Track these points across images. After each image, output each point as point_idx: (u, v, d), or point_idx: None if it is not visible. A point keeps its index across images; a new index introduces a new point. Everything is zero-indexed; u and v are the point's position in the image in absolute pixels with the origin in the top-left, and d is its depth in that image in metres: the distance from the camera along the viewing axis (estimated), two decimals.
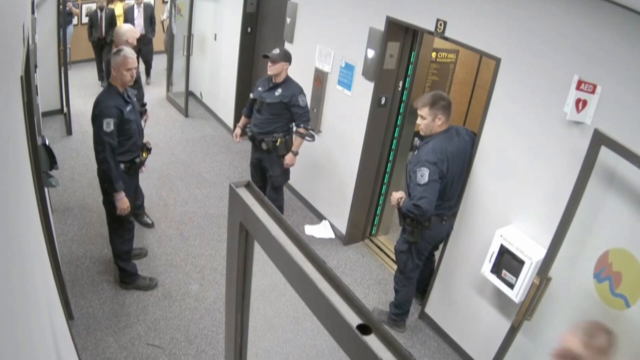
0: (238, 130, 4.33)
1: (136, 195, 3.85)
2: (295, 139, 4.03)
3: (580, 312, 2.54)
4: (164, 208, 4.75)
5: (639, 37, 2.28)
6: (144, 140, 3.58)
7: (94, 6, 7.47)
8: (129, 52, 3.25)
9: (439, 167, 3.01)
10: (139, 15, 7.52)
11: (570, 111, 2.54)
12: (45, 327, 1.53)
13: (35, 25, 3.82)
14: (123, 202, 3.31)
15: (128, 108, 3.28)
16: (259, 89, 4.02)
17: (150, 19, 7.59)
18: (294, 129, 4.04)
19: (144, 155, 3.54)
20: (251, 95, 4.13)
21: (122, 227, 3.53)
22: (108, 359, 3.14)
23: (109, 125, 3.14)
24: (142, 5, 7.49)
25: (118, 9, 8.37)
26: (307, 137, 4.03)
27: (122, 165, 3.33)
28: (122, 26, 4.57)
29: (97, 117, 3.16)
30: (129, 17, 7.40)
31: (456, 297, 3.53)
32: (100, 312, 3.48)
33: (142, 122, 3.75)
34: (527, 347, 2.81)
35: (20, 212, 1.43)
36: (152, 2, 8.22)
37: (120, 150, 3.27)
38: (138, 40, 6.01)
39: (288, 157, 4.04)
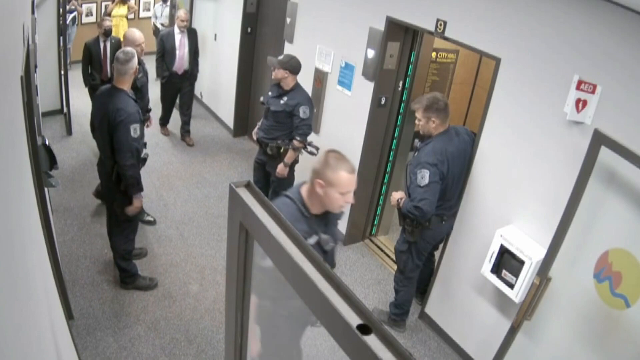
0: (256, 129, 4.17)
1: None
2: (289, 151, 3.91)
3: (580, 312, 2.54)
4: (164, 208, 4.75)
5: (638, 37, 2.28)
6: None
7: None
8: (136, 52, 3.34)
9: (439, 169, 3.01)
10: (182, 45, 5.55)
11: (570, 111, 2.54)
12: (45, 327, 1.53)
13: (35, 25, 3.82)
14: (140, 201, 3.42)
15: (139, 110, 3.31)
16: (269, 93, 3.97)
17: (195, 49, 5.70)
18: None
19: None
20: (261, 99, 4.09)
21: (131, 227, 3.57)
22: (108, 359, 3.14)
23: (136, 130, 3.17)
24: (185, 31, 5.58)
25: (122, 11, 8.32)
26: (308, 151, 3.92)
27: None
28: (135, 31, 4.30)
29: (122, 124, 3.12)
30: (167, 47, 5.50)
31: (456, 297, 3.53)
32: (100, 312, 3.48)
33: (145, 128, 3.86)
34: (527, 347, 2.81)
35: (21, 212, 1.43)
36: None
37: None
38: (180, 76, 5.67)
39: (279, 167, 3.97)
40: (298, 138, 3.87)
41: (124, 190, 3.35)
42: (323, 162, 2.14)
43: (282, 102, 3.85)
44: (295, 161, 4.04)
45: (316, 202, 2.19)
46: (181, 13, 5.61)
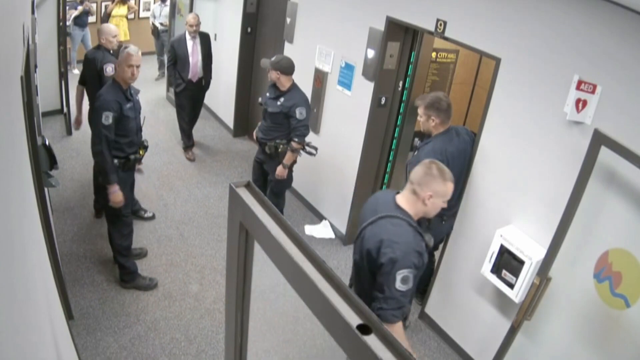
0: (257, 129, 4.13)
1: (132, 192, 3.85)
2: (288, 152, 3.88)
3: (580, 312, 2.54)
4: (164, 208, 4.75)
5: (638, 37, 2.28)
6: (142, 138, 3.60)
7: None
8: (133, 50, 3.28)
9: None
10: (194, 52, 5.26)
11: (570, 111, 2.54)
12: (45, 327, 1.53)
13: (35, 25, 3.82)
14: (116, 195, 3.33)
15: (128, 105, 3.30)
16: (267, 94, 3.95)
17: (208, 55, 5.43)
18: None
19: (140, 152, 3.54)
20: (259, 100, 4.08)
21: (120, 222, 3.54)
22: (108, 359, 3.14)
23: (107, 118, 3.18)
24: (197, 37, 5.27)
25: (122, 11, 8.29)
26: (307, 152, 3.90)
27: (115, 161, 3.34)
28: (107, 25, 4.39)
29: (96, 110, 3.19)
30: (180, 55, 5.24)
31: (456, 297, 3.53)
32: (100, 312, 3.48)
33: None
34: (527, 347, 2.81)
35: (21, 212, 1.43)
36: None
37: (115, 146, 3.31)
38: (195, 84, 5.44)
39: (278, 169, 3.95)
40: (296, 139, 3.84)
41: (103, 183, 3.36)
42: (427, 174, 2.17)
43: (278, 103, 3.83)
44: (294, 161, 4.03)
45: (420, 212, 2.23)
46: (190, 18, 5.23)
